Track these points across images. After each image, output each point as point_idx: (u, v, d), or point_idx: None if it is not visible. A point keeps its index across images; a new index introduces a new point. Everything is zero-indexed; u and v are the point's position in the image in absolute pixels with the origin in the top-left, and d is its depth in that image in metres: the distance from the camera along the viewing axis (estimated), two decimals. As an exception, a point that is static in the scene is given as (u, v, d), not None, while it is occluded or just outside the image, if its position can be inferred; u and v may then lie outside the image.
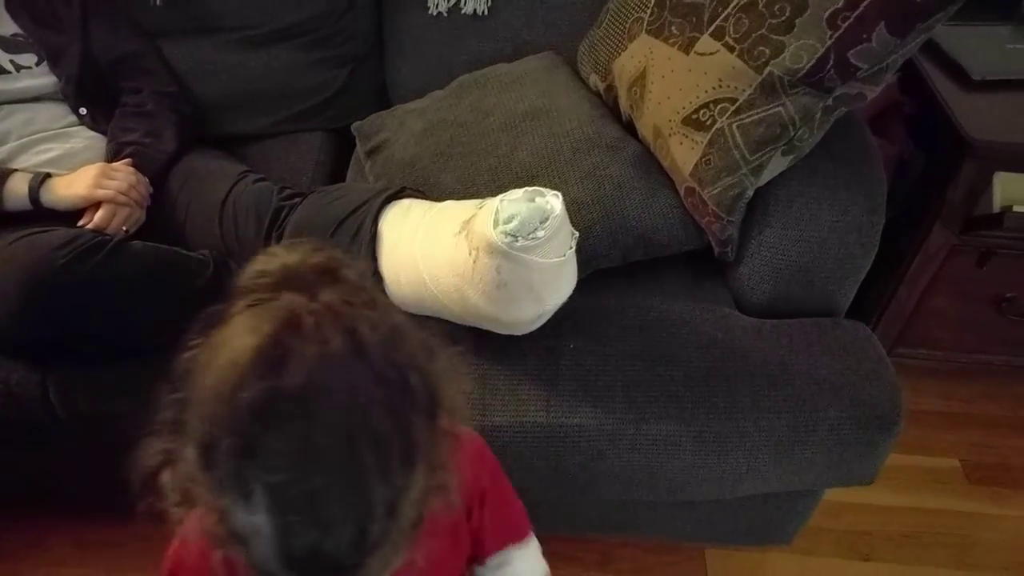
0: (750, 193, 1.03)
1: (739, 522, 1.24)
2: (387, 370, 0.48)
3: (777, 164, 1.02)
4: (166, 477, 0.53)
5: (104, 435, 1.06)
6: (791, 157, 1.02)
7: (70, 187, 1.14)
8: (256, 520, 0.46)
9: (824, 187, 1.05)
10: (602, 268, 1.09)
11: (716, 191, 1.03)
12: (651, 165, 1.14)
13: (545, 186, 0.90)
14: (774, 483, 1.06)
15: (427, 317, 1.02)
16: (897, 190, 1.34)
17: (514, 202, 0.87)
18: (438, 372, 0.54)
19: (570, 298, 0.96)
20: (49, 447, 1.15)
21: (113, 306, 0.99)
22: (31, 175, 1.13)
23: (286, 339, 0.46)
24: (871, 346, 1.06)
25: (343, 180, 1.38)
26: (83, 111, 1.28)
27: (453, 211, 0.99)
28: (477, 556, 0.80)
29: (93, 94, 1.30)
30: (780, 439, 1.00)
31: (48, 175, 1.14)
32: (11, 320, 0.96)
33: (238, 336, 0.47)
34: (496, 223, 0.86)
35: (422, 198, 1.10)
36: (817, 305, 1.11)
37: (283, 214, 1.13)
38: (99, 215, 1.13)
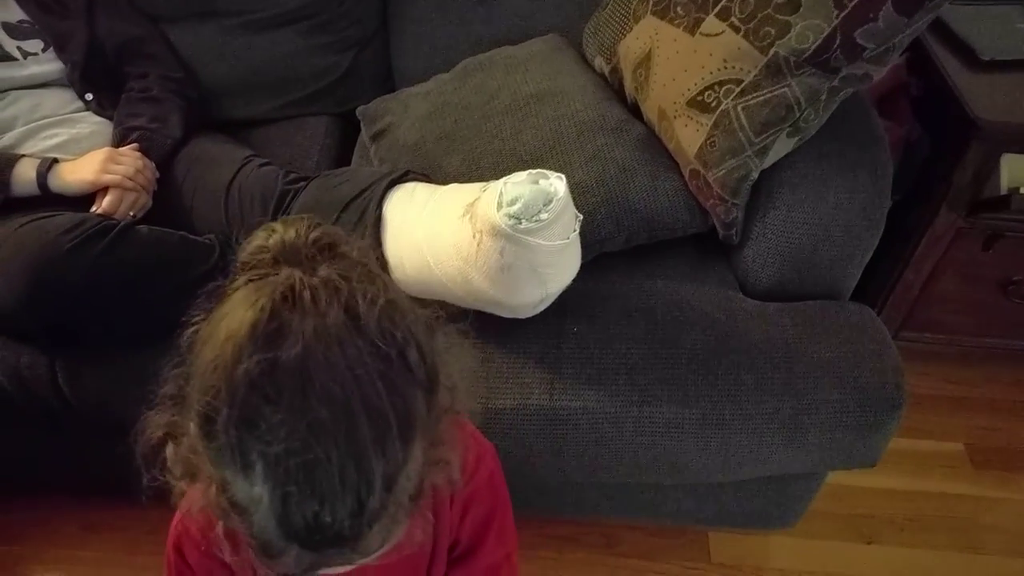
0: (755, 175, 1.03)
1: (742, 505, 1.25)
2: (384, 344, 0.48)
3: (782, 146, 1.02)
4: (169, 451, 0.53)
5: (112, 420, 1.07)
6: (796, 139, 1.02)
7: (77, 172, 1.15)
8: (256, 491, 0.47)
9: (829, 169, 1.05)
10: (606, 252, 1.09)
11: (721, 173, 1.02)
12: (656, 148, 1.14)
13: (549, 169, 0.90)
14: (777, 466, 1.07)
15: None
16: (903, 172, 1.34)
17: (518, 184, 0.87)
18: (437, 348, 0.54)
19: (574, 281, 0.96)
20: (58, 431, 1.16)
21: (119, 290, 1.00)
22: (39, 160, 1.14)
23: (283, 313, 0.47)
24: (875, 329, 1.06)
25: (348, 164, 1.39)
26: (89, 97, 1.28)
27: (457, 194, 0.99)
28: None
29: (99, 80, 1.30)
30: (783, 421, 1.00)
31: (55, 160, 1.15)
32: (19, 304, 0.97)
33: (237, 310, 0.48)
34: (500, 205, 0.86)
35: (426, 181, 1.10)
36: (821, 288, 1.11)
37: (288, 198, 1.13)
38: (107, 200, 1.14)
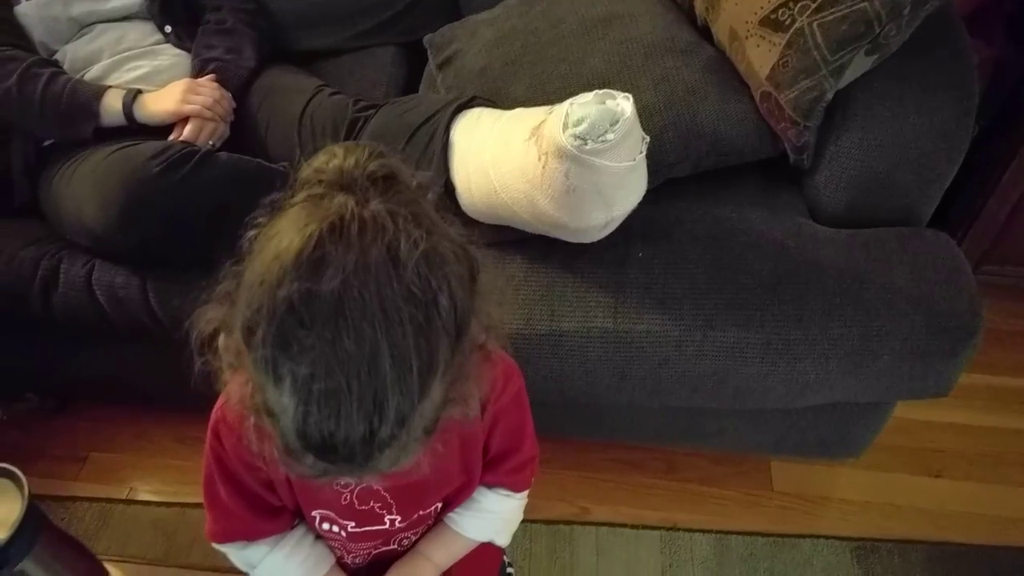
0: (830, 96, 0.99)
1: (807, 434, 1.24)
2: (419, 290, 0.50)
3: (860, 64, 0.98)
4: (221, 340, 0.57)
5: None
6: (875, 57, 0.98)
7: (159, 103, 1.20)
8: (283, 401, 0.50)
9: (910, 89, 1.01)
10: (673, 177, 1.08)
11: (793, 95, 1.00)
12: (726, 70, 1.11)
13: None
14: (843, 393, 1.06)
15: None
16: (991, 95, 1.27)
17: (584, 105, 0.87)
18: (472, 295, 0.56)
19: (639, 206, 0.96)
20: (154, 348, 1.24)
21: (202, 211, 1.05)
22: (124, 91, 1.19)
23: (328, 244, 0.49)
24: (951, 255, 1.03)
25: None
26: (168, 29, 1.33)
27: (523, 117, 0.99)
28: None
29: (177, 12, 1.35)
30: (851, 348, 0.99)
31: (139, 91, 1.20)
32: (112, 224, 1.04)
33: (288, 230, 0.50)
34: (566, 126, 0.87)
35: (492, 107, 1.10)
36: (897, 215, 1.08)
37: (359, 125, 1.16)
38: (187, 129, 1.19)
